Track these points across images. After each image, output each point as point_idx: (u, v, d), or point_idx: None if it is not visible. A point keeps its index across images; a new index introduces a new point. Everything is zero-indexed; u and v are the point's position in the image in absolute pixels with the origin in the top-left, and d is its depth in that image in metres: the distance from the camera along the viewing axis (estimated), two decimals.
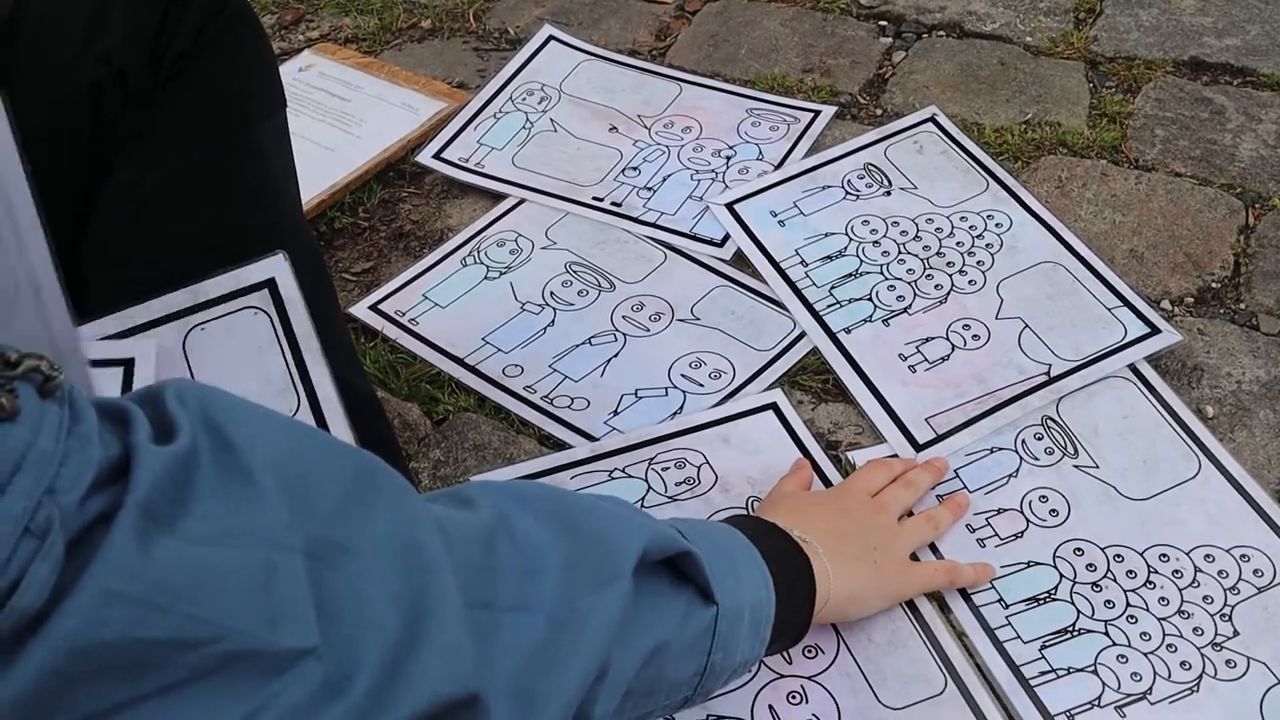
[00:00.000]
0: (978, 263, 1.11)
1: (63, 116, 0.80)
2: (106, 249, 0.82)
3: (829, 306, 1.08)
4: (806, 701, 0.79)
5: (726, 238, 1.16)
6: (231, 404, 0.45)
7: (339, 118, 1.33)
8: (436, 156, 1.27)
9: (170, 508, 0.40)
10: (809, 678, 0.80)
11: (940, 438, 0.97)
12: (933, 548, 0.89)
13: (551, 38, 1.43)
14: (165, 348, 0.80)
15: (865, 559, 0.79)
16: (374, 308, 1.11)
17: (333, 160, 1.27)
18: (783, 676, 0.80)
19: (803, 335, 1.06)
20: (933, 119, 1.26)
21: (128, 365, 0.79)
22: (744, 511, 0.91)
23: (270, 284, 0.83)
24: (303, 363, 0.81)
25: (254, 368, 0.80)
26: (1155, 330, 1.03)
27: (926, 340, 1.05)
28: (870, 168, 1.21)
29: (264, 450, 0.44)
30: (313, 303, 0.83)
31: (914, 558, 0.86)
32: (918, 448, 0.97)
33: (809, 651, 0.81)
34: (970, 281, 1.09)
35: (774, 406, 0.99)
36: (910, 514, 0.89)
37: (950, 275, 1.10)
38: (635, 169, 1.24)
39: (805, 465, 0.92)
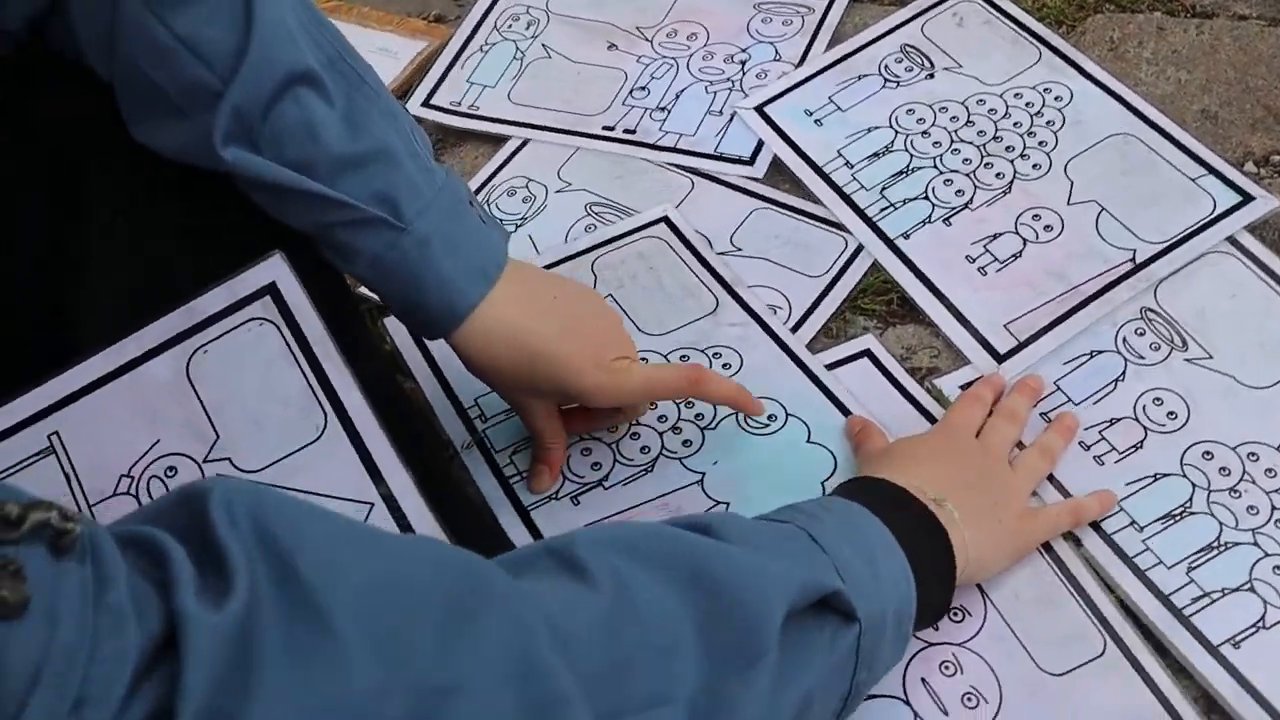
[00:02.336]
0: (1040, 144, 1.00)
1: None
2: (87, 284, 0.72)
3: (882, 210, 0.98)
4: (961, 671, 0.70)
5: (757, 153, 1.05)
6: (293, 515, 0.37)
7: None
8: (426, 104, 1.15)
9: (234, 700, 0.31)
10: (959, 644, 0.72)
11: (1023, 345, 0.88)
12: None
13: None
14: (168, 380, 0.71)
15: (991, 515, 0.70)
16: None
17: None
18: (931, 645, 0.72)
19: (859, 251, 0.96)
20: None
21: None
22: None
23: (271, 289, 0.72)
24: (322, 372, 0.71)
25: (269, 388, 0.71)
26: (1248, 197, 0.92)
27: (994, 237, 0.95)
28: (908, 49, 1.09)
29: (342, 584, 0.35)
30: (322, 300, 0.73)
31: None
32: (999, 359, 0.88)
33: (955, 614, 0.73)
34: (1034, 166, 0.98)
35: (868, 353, 0.90)
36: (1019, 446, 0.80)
37: (1011, 161, 0.99)
38: (643, 89, 1.12)
39: (862, 421, 0.83)
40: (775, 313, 0.93)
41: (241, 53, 0.64)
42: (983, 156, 1.00)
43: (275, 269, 0.73)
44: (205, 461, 0.69)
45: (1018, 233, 0.95)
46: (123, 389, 0.71)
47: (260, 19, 0.64)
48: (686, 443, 0.83)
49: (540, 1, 1.24)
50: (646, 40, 1.17)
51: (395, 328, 0.94)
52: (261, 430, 0.70)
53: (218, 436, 0.70)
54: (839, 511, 0.60)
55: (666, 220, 1.00)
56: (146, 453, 0.70)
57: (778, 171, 1.04)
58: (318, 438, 0.69)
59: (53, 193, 0.72)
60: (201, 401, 0.71)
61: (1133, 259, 0.91)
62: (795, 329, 0.92)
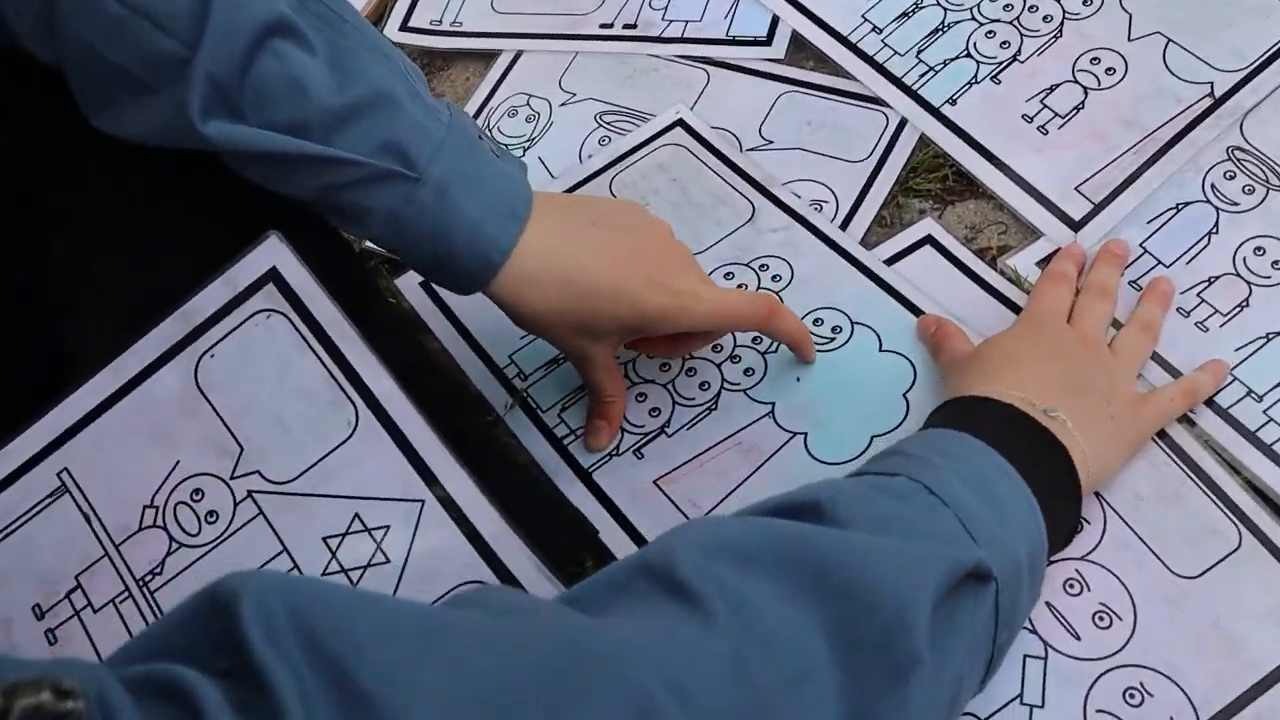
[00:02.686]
0: None
1: None
2: (74, 301, 0.65)
3: (922, 76, 0.88)
4: (1088, 589, 0.64)
5: (774, 30, 0.95)
6: (342, 609, 0.30)
7: None
8: (404, 28, 1.05)
9: None
10: (1082, 558, 0.65)
11: (1099, 207, 0.80)
12: None
13: None
14: (177, 392, 0.64)
15: (1103, 415, 0.63)
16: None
17: None
18: (1051, 563, 0.65)
19: (903, 126, 0.87)
20: None
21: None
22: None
23: (273, 275, 0.65)
24: (344, 359, 0.64)
25: (289, 385, 0.64)
26: None
27: (1051, 89, 0.85)
28: None
29: (413, 691, 0.28)
30: (331, 276, 0.66)
31: None
32: (1075, 226, 0.79)
33: None
34: (1085, 1, 0.88)
35: (929, 240, 0.81)
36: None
37: (1058, 0, 0.89)
38: None
39: (936, 319, 0.75)
40: (820, 209, 0.84)
41: (204, 10, 0.55)
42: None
43: (274, 252, 0.65)
44: (233, 478, 0.63)
45: (1077, 81, 0.85)
46: (130, 410, 0.64)
47: None
48: (748, 371, 0.76)
49: None
50: None
51: (407, 284, 0.86)
52: (288, 434, 0.63)
53: (241, 448, 0.63)
54: (948, 449, 0.53)
55: (681, 123, 0.91)
56: (167, 477, 0.64)
57: (800, 49, 0.94)
58: (351, 434, 0.63)
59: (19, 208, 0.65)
60: (217, 411, 0.64)
61: (1211, 93, 0.81)
62: (845, 224, 0.83)
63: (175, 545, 0.63)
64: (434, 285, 0.81)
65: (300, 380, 0.64)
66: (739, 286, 0.80)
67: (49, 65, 0.59)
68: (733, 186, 0.86)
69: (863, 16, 0.93)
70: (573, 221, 0.66)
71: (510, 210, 0.63)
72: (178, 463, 0.64)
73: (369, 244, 0.90)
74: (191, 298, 0.65)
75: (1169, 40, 0.85)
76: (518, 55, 1.01)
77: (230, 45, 0.55)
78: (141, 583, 0.63)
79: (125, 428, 0.64)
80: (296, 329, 0.65)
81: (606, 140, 0.93)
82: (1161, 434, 0.68)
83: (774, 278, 0.81)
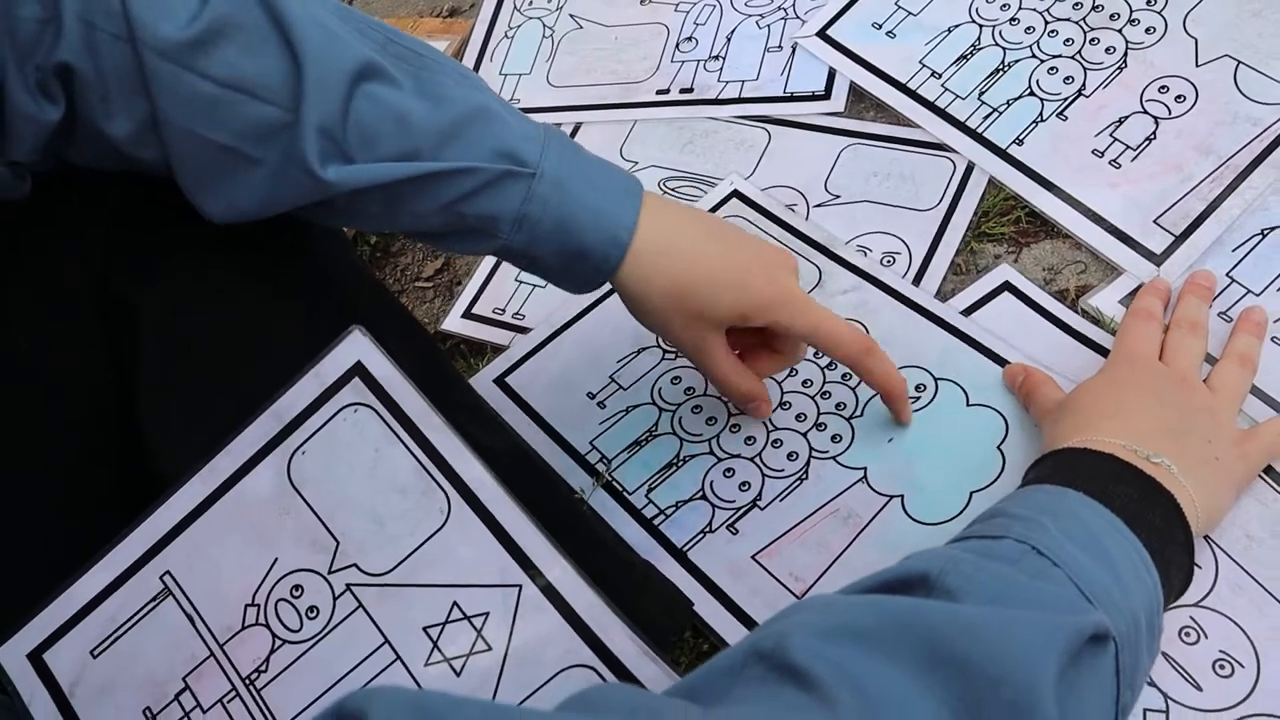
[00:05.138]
0: (1148, 2, 0.88)
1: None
2: (164, 411, 0.66)
3: (985, 118, 0.88)
4: (1206, 636, 0.61)
5: (831, 84, 0.95)
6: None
7: None
8: None
9: None
10: (1196, 605, 0.63)
11: (1181, 238, 0.78)
12: None
13: None
14: (271, 491, 0.65)
15: (1208, 457, 0.61)
16: (469, 315, 0.93)
17: None
18: (1165, 610, 0.63)
19: (970, 170, 0.86)
20: None
21: None
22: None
23: (359, 369, 0.66)
24: (433, 448, 0.64)
25: (380, 477, 0.64)
26: None
27: (1120, 122, 0.84)
28: None
29: None
30: (414, 366, 0.67)
31: None
32: (1157, 260, 0.78)
33: None
34: (1148, 30, 0.87)
35: (1007, 285, 0.80)
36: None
37: (1119, 31, 0.88)
38: (690, 39, 1.03)
39: (1022, 368, 0.74)
40: (892, 262, 0.83)
41: (297, 73, 0.57)
42: (1086, 32, 0.89)
43: (357, 346, 0.66)
44: (330, 573, 0.64)
45: (1146, 111, 0.84)
46: (226, 511, 0.65)
47: (299, 33, 0.56)
48: (836, 438, 0.75)
49: None
50: None
51: (481, 382, 0.86)
52: (383, 526, 0.64)
53: (338, 542, 0.64)
54: (1053, 506, 0.52)
55: (736, 194, 0.91)
56: (266, 575, 0.64)
57: (859, 99, 0.94)
58: (444, 522, 0.63)
59: (102, 319, 0.66)
60: (312, 507, 0.65)
61: None
62: (919, 276, 0.82)
63: (279, 642, 0.63)
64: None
65: (391, 471, 0.65)
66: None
67: (150, 167, 0.60)
68: (796, 252, 0.85)
69: (920, 62, 0.93)
70: (682, 214, 0.68)
71: (625, 189, 0.65)
72: (276, 560, 0.64)
73: (445, 326, 0.91)
74: (281, 396, 0.66)
75: (1239, 63, 0.83)
76: (577, 127, 1.02)
77: (327, 99, 0.57)
78: (248, 681, 0.63)
79: (223, 527, 0.65)
80: (384, 421, 0.65)
81: None
82: (1269, 470, 0.66)
83: None
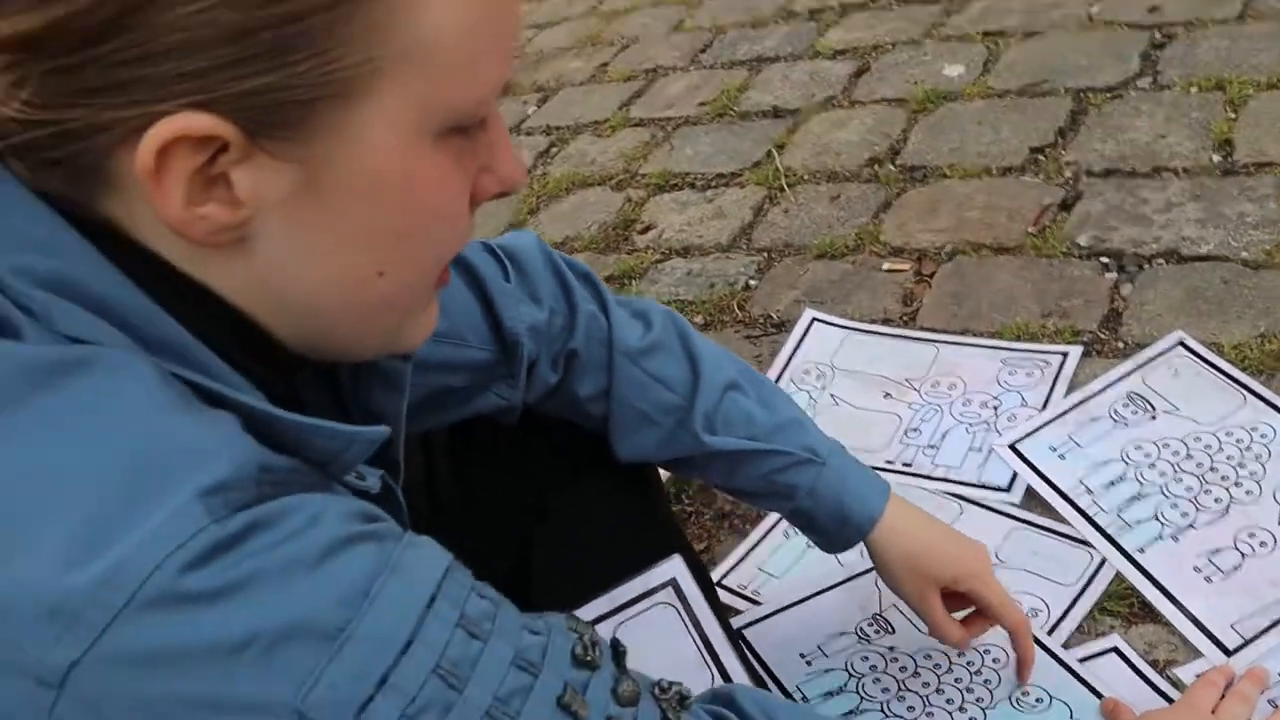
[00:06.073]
0: (1250, 474, 1.23)
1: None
2: (544, 577, 1.05)
3: (1120, 530, 1.22)
4: None
5: (1013, 482, 1.32)
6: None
7: None
8: None
9: None
10: None
11: (1248, 641, 1.08)
12: None
13: (815, 320, 1.66)
14: None
15: None
16: (718, 584, 1.30)
17: None
18: None
19: (1103, 564, 1.20)
20: (1181, 343, 1.41)
21: None
22: None
23: (672, 583, 1.03)
24: (710, 644, 1.00)
25: (671, 653, 1.00)
26: None
27: (1216, 551, 1.17)
28: (1134, 396, 1.36)
29: None
30: (707, 594, 1.03)
31: None
32: (1228, 653, 1.08)
33: None
34: (1247, 493, 1.21)
35: (1116, 649, 1.12)
36: None
37: (1227, 489, 1.22)
38: (916, 430, 1.43)
39: (1114, 701, 1.05)
40: (1034, 615, 1.16)
41: (695, 379, 0.97)
42: (1202, 485, 1.24)
43: (676, 568, 1.04)
44: None
45: (1237, 548, 1.16)
46: None
47: (699, 356, 0.98)
48: None
49: (827, 358, 1.58)
50: (915, 390, 1.49)
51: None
52: None
53: None
54: None
55: None
56: None
57: (1031, 497, 1.30)
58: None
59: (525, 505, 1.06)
60: None
61: None
62: (1052, 629, 1.15)
63: None
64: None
65: (679, 651, 1.00)
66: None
67: (587, 417, 1.00)
68: None
69: (1080, 481, 1.29)
70: (915, 508, 1.05)
71: (876, 483, 1.02)
72: None
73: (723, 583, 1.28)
74: (617, 586, 1.03)
75: None
76: None
77: (709, 398, 0.97)
78: None
79: None
80: (682, 620, 1.02)
81: None
82: None
83: (994, 660, 1.13)
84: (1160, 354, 1.41)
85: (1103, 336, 1.50)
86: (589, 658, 0.59)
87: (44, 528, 0.46)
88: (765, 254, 1.92)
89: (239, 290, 0.57)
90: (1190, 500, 1.23)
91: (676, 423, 0.98)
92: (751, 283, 1.86)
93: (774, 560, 1.32)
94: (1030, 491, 1.30)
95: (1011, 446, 1.35)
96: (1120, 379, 1.39)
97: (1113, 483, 1.27)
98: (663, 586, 1.03)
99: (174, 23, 0.47)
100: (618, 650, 0.65)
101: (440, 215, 0.59)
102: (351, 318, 0.60)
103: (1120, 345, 1.48)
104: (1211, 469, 1.25)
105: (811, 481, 0.99)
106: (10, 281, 0.51)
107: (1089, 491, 1.27)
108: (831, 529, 1.02)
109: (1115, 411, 1.35)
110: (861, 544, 1.03)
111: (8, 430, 0.48)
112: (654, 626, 1.02)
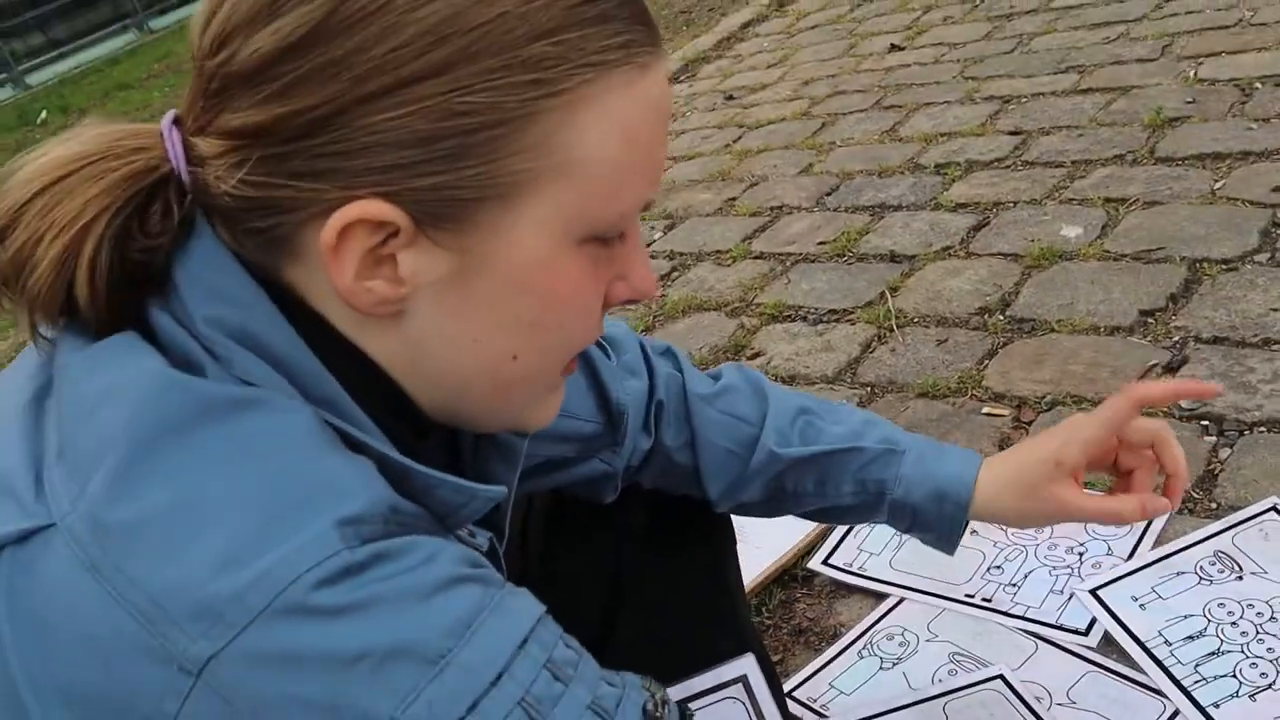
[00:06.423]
0: None
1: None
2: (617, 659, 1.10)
3: (1196, 683, 1.22)
4: None
5: (1091, 627, 1.33)
6: None
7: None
8: (824, 563, 1.53)
9: None
10: None
11: None
12: None
13: None
14: None
15: None
16: (788, 695, 1.34)
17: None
18: None
19: (1175, 715, 1.20)
20: (1275, 508, 1.42)
21: None
22: None
23: (743, 679, 1.08)
24: None
25: None
26: None
27: None
28: (1220, 555, 1.37)
29: None
30: (776, 697, 1.08)
31: None
32: None
33: None
34: None
35: None
36: None
37: None
38: (999, 567, 1.45)
39: None
40: None
41: (765, 408, 1.04)
42: None
43: (748, 665, 1.08)
44: None
45: None
46: None
47: (767, 391, 1.05)
48: None
49: None
50: (1002, 529, 1.51)
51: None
52: None
53: None
54: None
55: (1002, 677, 1.28)
56: None
57: (1108, 642, 1.31)
58: None
59: (607, 589, 1.12)
60: None
61: None
62: None
63: None
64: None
65: None
66: None
67: (679, 468, 1.06)
68: None
69: (1159, 632, 1.29)
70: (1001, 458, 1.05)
71: (965, 455, 1.04)
72: None
73: (794, 694, 1.32)
74: (691, 677, 1.08)
75: None
76: (901, 600, 1.44)
77: (781, 419, 1.03)
78: None
79: None
80: (749, 714, 1.06)
81: (954, 673, 1.31)
82: None
83: None
84: (1252, 517, 1.42)
85: (1195, 495, 1.51)
86: (658, 714, 0.65)
87: (202, 537, 0.55)
88: (869, 388, 1.98)
89: (390, 356, 0.66)
90: (1271, 662, 1.22)
91: (756, 452, 1.03)
92: None
93: (846, 677, 1.35)
94: (1108, 638, 1.31)
95: (1093, 592, 1.37)
96: (1209, 537, 1.40)
97: (1192, 637, 1.28)
98: (734, 682, 1.08)
99: (373, 126, 0.58)
100: (684, 713, 0.70)
101: (574, 312, 0.67)
102: (484, 392, 0.69)
103: (1213, 506, 1.49)
104: None
105: (898, 469, 1.02)
106: (203, 329, 0.61)
107: (1167, 643, 1.28)
108: (932, 511, 1.02)
109: (1201, 568, 1.36)
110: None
111: (185, 451, 0.57)
112: (720, 717, 1.06)
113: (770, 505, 1.08)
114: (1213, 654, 1.25)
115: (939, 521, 1.03)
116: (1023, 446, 1.04)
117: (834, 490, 1.05)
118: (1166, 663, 1.25)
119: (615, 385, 0.98)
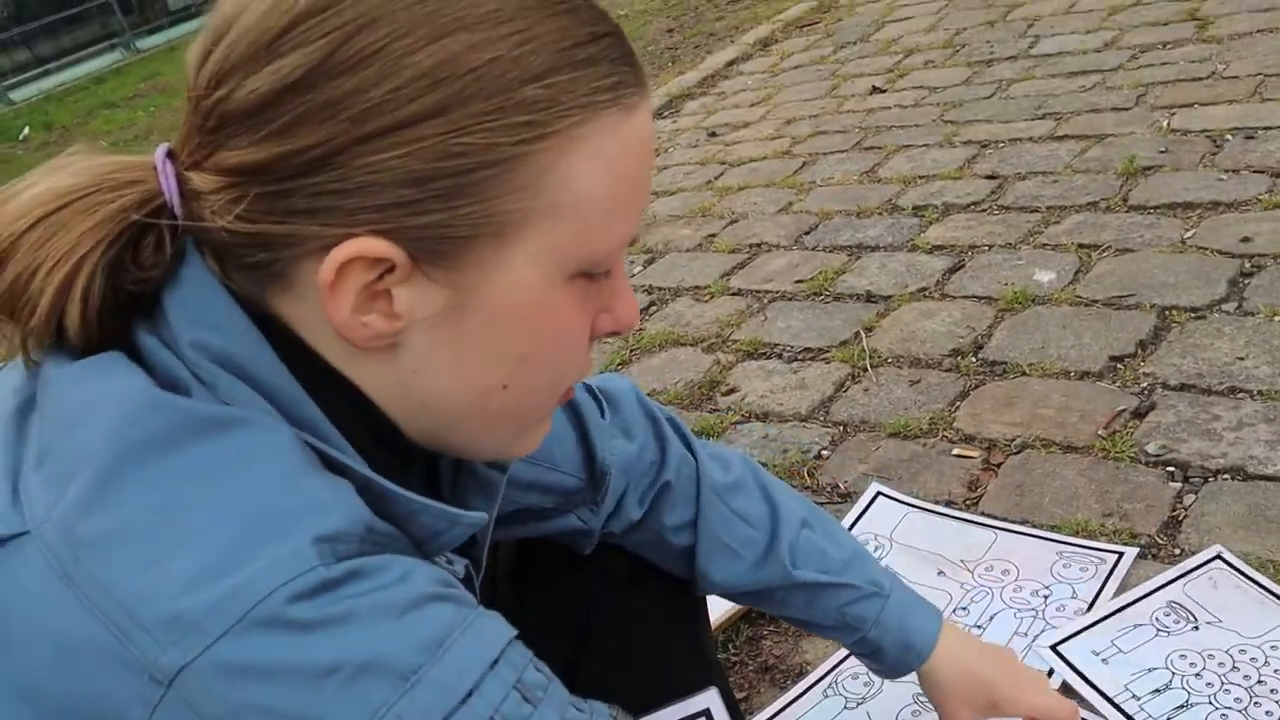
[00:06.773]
0: None
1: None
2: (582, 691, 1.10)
3: None
4: None
5: (1049, 676, 1.33)
6: None
7: None
8: None
9: None
10: None
11: None
12: None
13: (879, 493, 1.71)
14: None
15: None
16: None
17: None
18: None
19: None
20: (1219, 556, 1.43)
21: None
22: None
23: (706, 713, 1.08)
24: None
25: None
26: None
27: None
28: (1174, 605, 1.38)
29: None
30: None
31: None
32: None
33: None
34: None
35: None
36: None
37: (1277, 702, 1.23)
38: (964, 609, 1.46)
39: None
40: None
41: (775, 517, 1.06)
42: (1251, 696, 1.24)
43: (711, 699, 1.08)
44: None
45: None
46: None
47: (775, 497, 1.07)
48: None
49: (887, 531, 1.63)
50: (969, 571, 1.52)
51: None
52: None
53: None
54: None
55: None
56: None
57: (1068, 692, 1.31)
58: None
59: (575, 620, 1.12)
60: None
61: None
62: None
63: None
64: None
65: None
66: None
67: (672, 548, 1.07)
68: None
69: (1124, 686, 1.30)
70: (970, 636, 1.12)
71: (933, 613, 1.09)
72: None
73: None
74: (657, 710, 1.08)
75: None
76: None
77: (788, 531, 1.05)
78: None
79: None
80: None
81: (917, 713, 1.31)
82: None
83: None
84: (1199, 565, 1.43)
85: (1160, 541, 1.53)
86: None
87: (178, 549, 0.55)
88: (841, 427, 1.99)
89: (379, 386, 0.67)
90: (1240, 713, 1.23)
91: (760, 555, 1.06)
92: (824, 453, 1.92)
93: (810, 716, 1.35)
94: (1066, 687, 1.32)
95: (1053, 648, 1.37)
96: (1160, 588, 1.41)
97: (1159, 690, 1.28)
98: (698, 715, 1.08)
99: (371, 165, 0.59)
100: None
101: (561, 344, 0.69)
102: (474, 422, 0.70)
103: (1176, 552, 1.50)
104: (1259, 682, 1.26)
105: (877, 613, 1.07)
106: (188, 353, 0.62)
107: (1135, 697, 1.28)
108: (893, 656, 1.08)
109: (1157, 619, 1.37)
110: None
111: (165, 465, 0.58)
112: None
113: (749, 599, 1.11)
114: (1182, 706, 1.26)
115: (895, 664, 1.10)
116: (982, 651, 1.13)
117: (819, 613, 1.09)
118: (1137, 717, 1.26)
119: (602, 444, 0.99)
